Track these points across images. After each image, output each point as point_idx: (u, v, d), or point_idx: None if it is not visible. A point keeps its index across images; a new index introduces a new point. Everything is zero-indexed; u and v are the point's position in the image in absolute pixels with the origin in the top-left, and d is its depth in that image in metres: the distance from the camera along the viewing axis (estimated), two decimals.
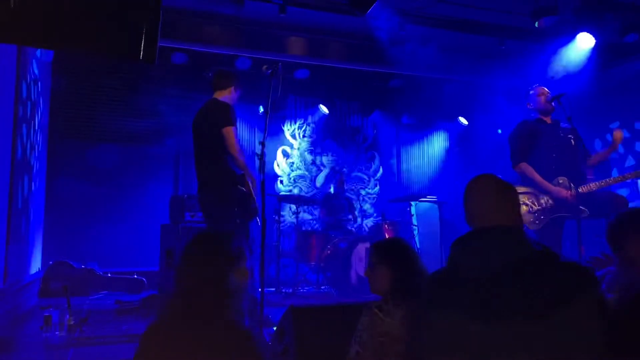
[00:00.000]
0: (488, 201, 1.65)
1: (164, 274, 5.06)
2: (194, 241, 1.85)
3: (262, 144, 3.61)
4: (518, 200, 1.69)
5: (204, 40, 6.30)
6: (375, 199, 8.45)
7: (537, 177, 4.07)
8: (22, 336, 3.81)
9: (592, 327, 1.37)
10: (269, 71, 3.74)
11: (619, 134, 4.13)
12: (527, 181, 4.14)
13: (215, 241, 1.84)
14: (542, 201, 4.08)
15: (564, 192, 3.99)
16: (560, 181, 4.05)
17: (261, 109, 7.16)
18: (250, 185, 3.91)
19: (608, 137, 7.43)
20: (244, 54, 6.65)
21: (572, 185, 4.02)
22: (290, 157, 7.93)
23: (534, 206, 4.09)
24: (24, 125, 4.72)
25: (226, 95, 4.10)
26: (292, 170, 7.92)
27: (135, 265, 6.29)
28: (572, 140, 4.14)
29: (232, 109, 3.95)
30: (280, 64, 3.77)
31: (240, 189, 3.84)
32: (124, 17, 2.65)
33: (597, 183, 4.03)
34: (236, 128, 3.92)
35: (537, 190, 4.10)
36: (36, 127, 5.50)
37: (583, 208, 3.88)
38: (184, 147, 7.21)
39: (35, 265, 5.80)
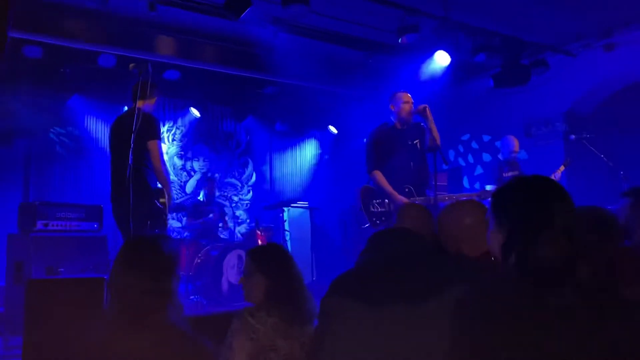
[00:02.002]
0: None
1: (10, 289, 4.52)
2: (129, 246, 1.82)
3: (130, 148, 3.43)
4: (423, 210, 1.99)
5: (62, 34, 5.78)
6: (248, 205, 8.40)
7: (385, 185, 4.38)
8: None
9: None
10: (136, 70, 3.57)
11: (421, 107, 4.42)
12: (378, 187, 4.45)
13: (153, 244, 1.78)
14: (386, 205, 4.39)
15: (406, 201, 4.29)
16: (407, 190, 4.37)
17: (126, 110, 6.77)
18: (167, 200, 3.87)
19: (460, 148, 8.18)
20: (108, 51, 6.21)
21: (416, 194, 4.36)
22: None
23: (378, 208, 4.40)
24: None
25: (149, 104, 3.98)
26: None
27: None
28: (419, 149, 4.49)
29: (159, 122, 3.92)
30: (149, 63, 3.61)
31: (155, 203, 3.78)
32: None
33: (441, 196, 4.43)
34: (161, 141, 3.88)
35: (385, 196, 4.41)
36: None
37: None
38: (37, 149, 6.56)
39: None
